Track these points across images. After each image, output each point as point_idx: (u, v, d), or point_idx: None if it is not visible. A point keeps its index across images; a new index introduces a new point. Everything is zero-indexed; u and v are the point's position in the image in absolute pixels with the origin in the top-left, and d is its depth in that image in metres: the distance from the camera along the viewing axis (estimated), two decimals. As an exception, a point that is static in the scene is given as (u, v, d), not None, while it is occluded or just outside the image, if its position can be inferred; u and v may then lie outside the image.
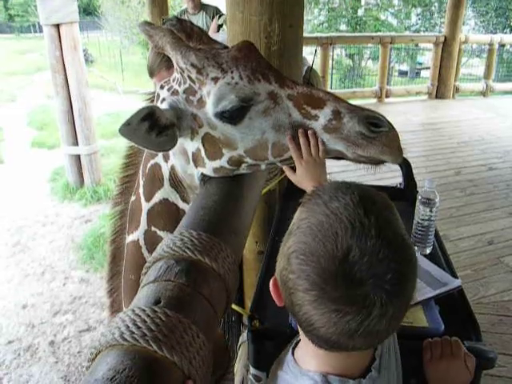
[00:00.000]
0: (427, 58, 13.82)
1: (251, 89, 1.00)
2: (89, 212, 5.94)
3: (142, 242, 1.16)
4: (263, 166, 1.10)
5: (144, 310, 0.64)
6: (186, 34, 1.10)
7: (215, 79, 1.00)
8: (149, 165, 1.16)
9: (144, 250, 1.16)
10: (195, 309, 0.70)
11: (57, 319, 4.03)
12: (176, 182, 1.14)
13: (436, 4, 18.47)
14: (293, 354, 0.79)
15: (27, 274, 4.70)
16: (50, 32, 5.54)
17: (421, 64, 17.11)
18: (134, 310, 0.65)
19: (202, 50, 1.04)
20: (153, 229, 1.15)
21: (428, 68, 9.12)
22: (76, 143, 5.95)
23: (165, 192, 1.14)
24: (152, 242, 1.15)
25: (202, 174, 1.12)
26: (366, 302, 0.58)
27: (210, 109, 1.02)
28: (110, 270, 1.27)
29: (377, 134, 0.99)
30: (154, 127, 0.96)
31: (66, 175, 6.42)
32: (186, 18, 4.87)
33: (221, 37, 2.42)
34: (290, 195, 1.85)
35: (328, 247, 0.59)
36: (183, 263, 0.78)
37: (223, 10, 4.53)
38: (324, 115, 1.00)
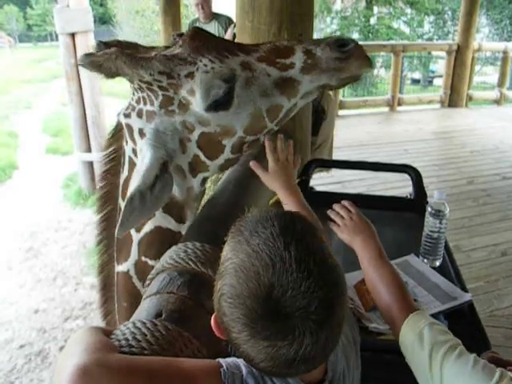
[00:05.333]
0: (440, 66, 13.74)
1: (227, 67, 0.97)
2: (101, 218, 5.97)
3: (132, 273, 1.13)
4: (262, 138, 1.10)
5: (144, 323, 0.64)
6: None
7: (189, 75, 0.96)
8: None
9: (135, 280, 1.13)
10: (197, 322, 0.70)
11: (68, 324, 4.05)
12: (171, 206, 1.08)
13: (449, 12, 18.37)
14: None
15: (39, 279, 4.74)
16: (66, 41, 5.63)
17: (433, 72, 16.98)
18: (134, 323, 0.65)
19: (157, 55, 0.98)
20: (143, 259, 1.11)
21: (441, 76, 9.05)
22: (89, 150, 6.02)
23: (156, 220, 1.09)
24: (143, 272, 1.10)
25: (203, 178, 1.09)
26: (295, 335, 0.59)
27: (199, 105, 0.98)
28: (102, 296, 1.24)
29: (348, 52, 1.02)
30: (144, 191, 0.92)
31: (79, 181, 6.49)
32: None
33: None
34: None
35: (251, 288, 0.60)
36: (186, 275, 0.78)
37: (235, 19, 4.56)
38: (298, 59, 1.01)
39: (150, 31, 17.97)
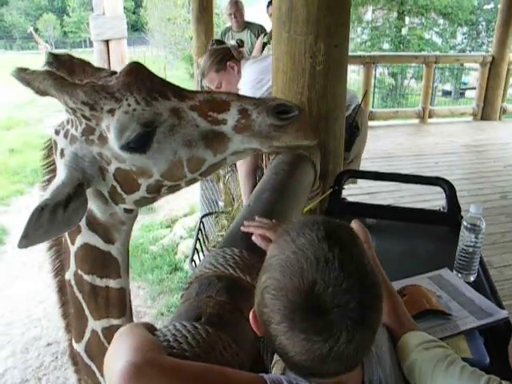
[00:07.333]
0: (472, 77, 13.46)
1: (151, 111, 0.94)
2: (128, 221, 6.07)
3: (72, 283, 1.12)
4: (183, 185, 1.06)
5: (185, 326, 0.65)
6: (67, 69, 1.01)
7: (111, 111, 0.93)
8: None
9: (75, 290, 1.12)
10: (235, 327, 0.71)
11: (93, 325, 4.13)
12: (95, 225, 1.06)
13: (483, 23, 18.04)
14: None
15: (68, 279, 4.85)
16: (100, 47, 5.82)
17: (465, 84, 16.65)
18: (175, 325, 0.66)
19: (89, 83, 0.95)
20: (79, 272, 1.09)
21: (473, 88, 8.86)
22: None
23: (84, 237, 1.07)
24: (81, 284, 1.10)
25: (124, 208, 1.06)
26: (332, 330, 0.62)
27: (113, 143, 0.95)
28: (60, 298, 1.22)
29: (288, 120, 0.98)
30: (56, 208, 0.89)
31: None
32: (231, 35, 4.98)
33: (264, 64, 2.42)
34: (332, 215, 1.83)
35: (295, 281, 0.64)
36: (225, 280, 0.79)
37: (268, 28, 4.60)
38: (231, 117, 0.98)
39: (181, 39, 18.31)
